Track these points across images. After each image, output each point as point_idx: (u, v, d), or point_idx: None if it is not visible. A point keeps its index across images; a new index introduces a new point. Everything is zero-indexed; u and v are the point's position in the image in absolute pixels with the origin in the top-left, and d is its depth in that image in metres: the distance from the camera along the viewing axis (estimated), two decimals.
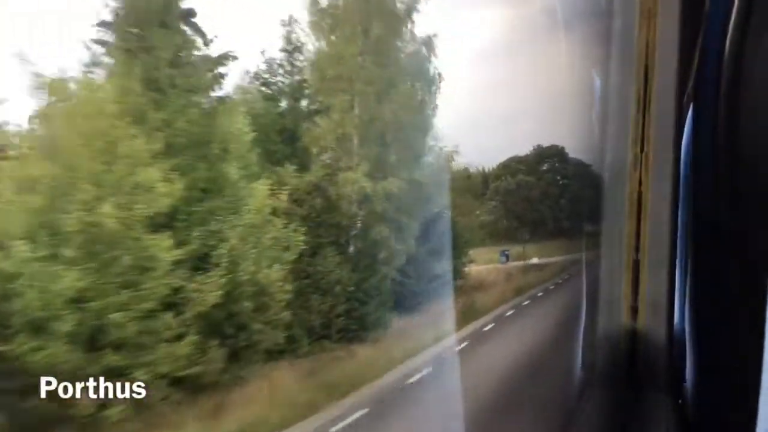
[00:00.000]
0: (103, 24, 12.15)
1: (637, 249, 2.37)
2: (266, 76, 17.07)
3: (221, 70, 13.13)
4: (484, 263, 24.10)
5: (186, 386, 10.31)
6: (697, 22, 2.24)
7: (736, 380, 2.03)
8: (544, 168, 29.48)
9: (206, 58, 12.91)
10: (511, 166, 29.60)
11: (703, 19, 2.23)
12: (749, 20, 2.01)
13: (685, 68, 2.28)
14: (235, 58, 13.45)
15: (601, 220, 2.49)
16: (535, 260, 25.90)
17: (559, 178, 28.91)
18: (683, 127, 2.31)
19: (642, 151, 2.36)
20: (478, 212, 29.40)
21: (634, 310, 2.39)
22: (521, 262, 25.88)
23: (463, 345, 14.64)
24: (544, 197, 28.06)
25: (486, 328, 16.84)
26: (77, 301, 9.46)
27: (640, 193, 2.36)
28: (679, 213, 2.33)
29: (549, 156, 28.96)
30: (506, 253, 25.61)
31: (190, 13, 12.67)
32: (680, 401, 2.35)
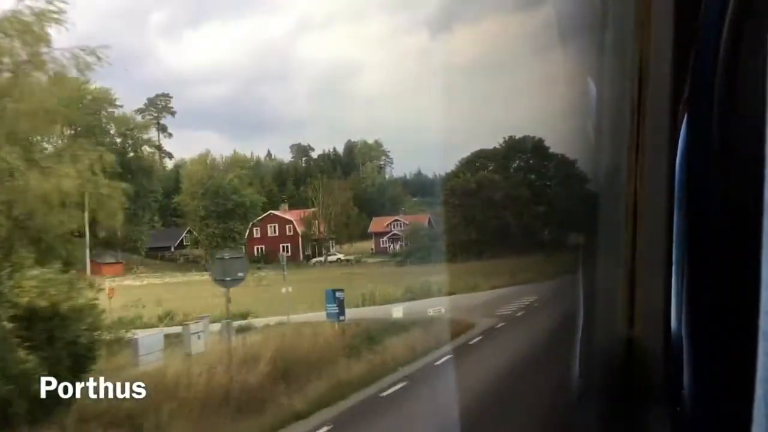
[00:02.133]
0: None
1: (633, 258, 2.38)
2: None
3: None
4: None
5: None
6: (690, 32, 2.26)
7: (733, 388, 2.03)
8: (515, 165, 24.17)
9: None
10: (475, 163, 23.96)
11: (697, 30, 2.25)
12: (742, 30, 2.03)
13: (679, 78, 2.30)
14: None
15: (595, 229, 2.50)
16: (396, 313, 15.90)
17: (534, 177, 23.60)
18: (678, 136, 2.32)
19: (637, 160, 2.37)
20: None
21: (631, 319, 2.39)
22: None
23: None
24: (510, 201, 22.56)
25: None
26: None
27: (635, 202, 2.37)
28: (675, 222, 2.33)
29: (522, 150, 23.65)
30: (339, 296, 14.58)
31: None
32: (677, 409, 2.35)
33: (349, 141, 27.78)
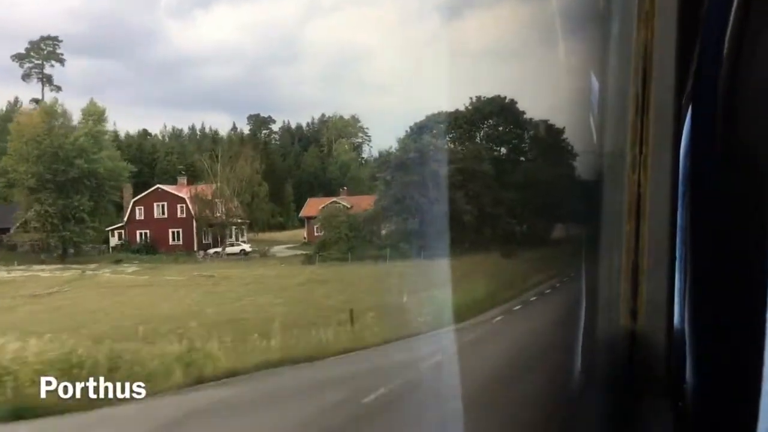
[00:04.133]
0: None
1: (636, 251, 2.37)
2: None
3: None
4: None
5: None
6: (694, 24, 2.24)
7: (736, 381, 2.03)
8: (482, 134, 18.07)
9: None
10: (432, 130, 17.85)
11: (701, 22, 2.23)
12: (747, 23, 2.02)
13: (683, 70, 2.28)
14: None
15: (598, 221, 2.50)
16: None
17: (505, 150, 17.67)
18: (682, 129, 2.31)
19: (641, 153, 2.36)
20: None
21: (634, 312, 2.39)
22: None
23: None
24: (466, 179, 16.27)
25: None
26: None
27: (639, 195, 2.36)
28: (678, 215, 2.33)
29: (491, 114, 17.82)
30: None
31: None
32: (680, 403, 2.35)
33: (322, 115, 23.72)
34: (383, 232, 17.23)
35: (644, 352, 2.37)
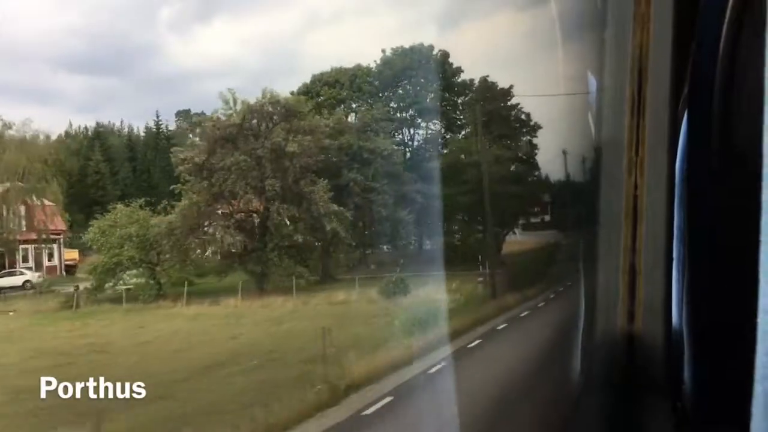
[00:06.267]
0: None
1: (633, 253, 2.39)
2: None
3: None
4: None
5: None
6: (690, 26, 2.26)
7: (733, 383, 2.04)
8: (396, 99, 11.15)
9: None
10: (319, 93, 11.91)
11: (697, 24, 2.25)
12: (742, 26, 2.03)
13: (679, 73, 2.30)
14: None
15: (594, 224, 2.51)
16: None
17: (443, 127, 10.88)
18: (678, 131, 2.33)
19: (637, 155, 2.37)
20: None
21: (631, 314, 2.40)
22: None
23: None
24: (342, 164, 9.56)
25: None
26: None
27: (635, 198, 2.37)
28: (675, 216, 2.34)
29: (408, 72, 11.37)
30: None
31: None
32: (678, 403, 2.36)
33: None
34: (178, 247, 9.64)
35: (642, 354, 2.38)
